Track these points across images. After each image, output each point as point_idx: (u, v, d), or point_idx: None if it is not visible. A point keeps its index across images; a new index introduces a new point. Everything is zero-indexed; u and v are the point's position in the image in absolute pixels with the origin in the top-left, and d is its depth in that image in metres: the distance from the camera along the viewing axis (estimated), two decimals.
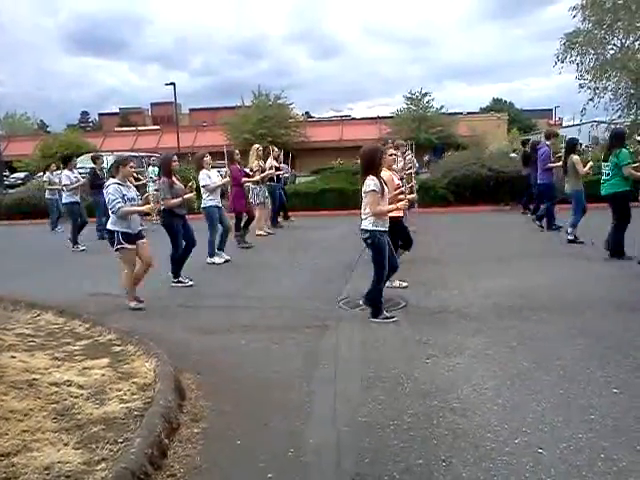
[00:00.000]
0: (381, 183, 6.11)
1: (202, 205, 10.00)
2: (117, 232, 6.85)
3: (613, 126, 21.19)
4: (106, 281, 8.35)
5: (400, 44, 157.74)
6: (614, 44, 21.30)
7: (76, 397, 4.11)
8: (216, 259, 9.95)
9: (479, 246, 10.90)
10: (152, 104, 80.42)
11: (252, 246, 11.62)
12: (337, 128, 49.67)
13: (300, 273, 8.96)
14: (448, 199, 16.83)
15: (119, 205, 6.81)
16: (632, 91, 20.74)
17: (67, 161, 13.66)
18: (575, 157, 10.38)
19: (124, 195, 6.92)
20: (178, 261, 8.32)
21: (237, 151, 12.30)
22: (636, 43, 20.90)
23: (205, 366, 5.07)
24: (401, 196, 6.94)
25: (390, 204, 6.38)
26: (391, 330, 5.88)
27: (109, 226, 6.97)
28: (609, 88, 21.18)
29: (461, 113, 52.69)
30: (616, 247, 8.73)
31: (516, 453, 3.44)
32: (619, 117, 21.51)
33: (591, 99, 21.47)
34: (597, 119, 23.60)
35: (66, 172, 13.22)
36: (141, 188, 15.53)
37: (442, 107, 48.52)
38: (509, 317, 6.16)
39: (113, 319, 6.44)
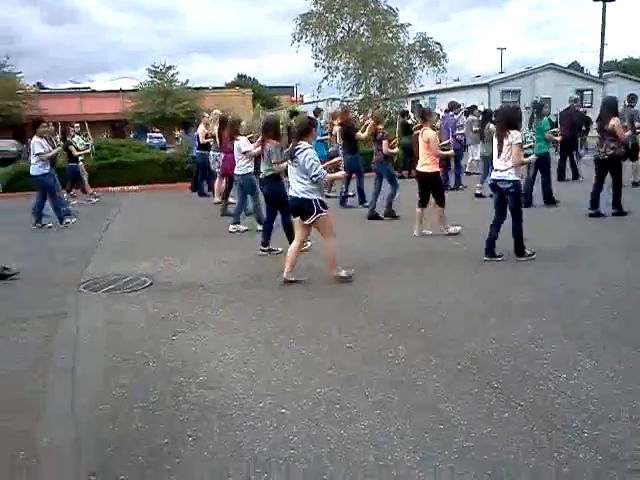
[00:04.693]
0: None
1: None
2: None
3: (345, 103, 22.94)
4: None
5: (144, 14, 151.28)
6: (343, 27, 22.88)
7: None
8: None
9: (224, 219, 10.98)
10: None
11: None
12: (76, 100, 46.13)
13: (35, 256, 8.17)
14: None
15: None
16: (360, 71, 22.56)
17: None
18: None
19: None
20: None
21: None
22: (361, 28, 22.70)
23: None
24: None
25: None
26: (136, 310, 5.66)
27: None
28: (340, 68, 22.83)
29: (207, 88, 52.53)
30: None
31: (260, 417, 3.53)
32: (350, 95, 23.25)
33: (325, 77, 22.92)
34: (333, 96, 25.17)
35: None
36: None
37: (187, 81, 48.03)
38: (252, 286, 6.34)
39: None
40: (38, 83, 53.80)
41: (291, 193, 6.32)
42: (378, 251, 7.78)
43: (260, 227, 8.85)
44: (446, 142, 11.08)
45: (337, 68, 22.93)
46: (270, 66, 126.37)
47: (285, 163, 7.55)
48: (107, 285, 6.49)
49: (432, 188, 8.46)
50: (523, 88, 37.01)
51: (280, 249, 7.73)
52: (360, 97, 23.22)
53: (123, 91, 48.27)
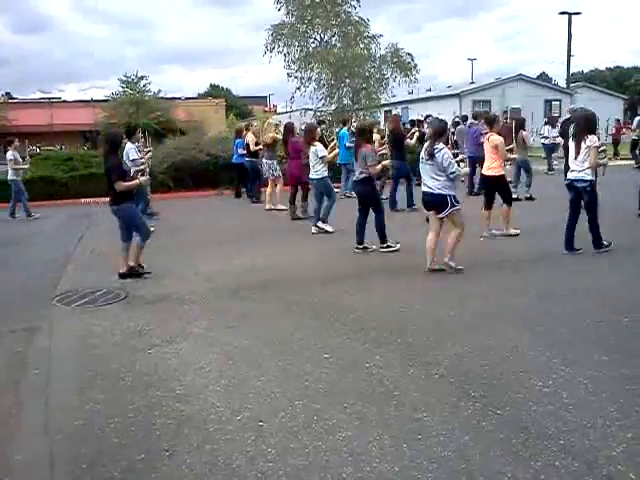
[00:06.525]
0: None
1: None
2: None
3: (319, 113, 23.05)
4: None
5: (114, 24, 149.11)
6: (315, 38, 22.98)
7: None
8: None
9: (199, 231, 10.96)
10: None
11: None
12: (46, 111, 45.36)
13: (6, 270, 8.03)
14: (168, 185, 16.55)
15: None
16: (332, 82, 22.63)
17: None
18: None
19: None
20: None
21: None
22: (333, 39, 22.84)
23: None
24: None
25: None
26: (110, 324, 5.57)
27: None
28: (313, 78, 22.82)
29: (179, 98, 52.33)
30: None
31: (238, 430, 3.51)
32: (323, 105, 23.33)
33: (298, 88, 22.91)
34: (306, 106, 25.22)
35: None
36: None
37: (160, 91, 47.72)
38: (229, 298, 6.30)
39: None
40: (7, 93, 53.04)
41: (425, 189, 6.94)
42: (363, 260, 7.83)
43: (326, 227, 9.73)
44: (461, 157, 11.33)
45: (310, 79, 22.97)
46: (243, 76, 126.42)
47: (379, 166, 8.17)
48: (81, 298, 6.39)
49: (499, 190, 8.92)
50: (493, 98, 37.50)
51: (374, 246, 8.14)
52: (333, 107, 23.30)
53: (94, 101, 47.79)
